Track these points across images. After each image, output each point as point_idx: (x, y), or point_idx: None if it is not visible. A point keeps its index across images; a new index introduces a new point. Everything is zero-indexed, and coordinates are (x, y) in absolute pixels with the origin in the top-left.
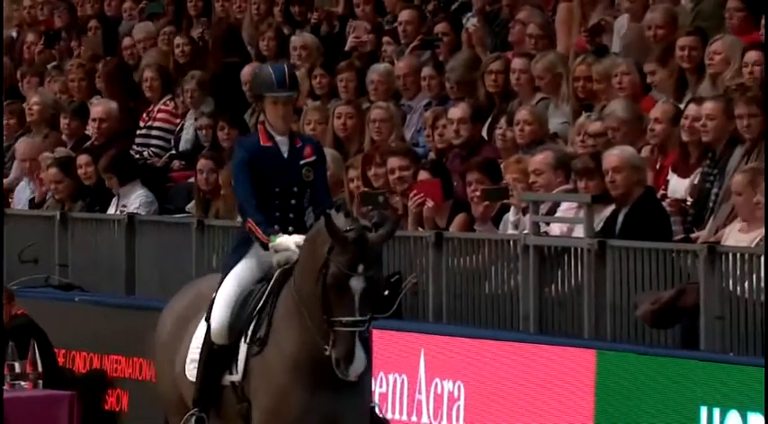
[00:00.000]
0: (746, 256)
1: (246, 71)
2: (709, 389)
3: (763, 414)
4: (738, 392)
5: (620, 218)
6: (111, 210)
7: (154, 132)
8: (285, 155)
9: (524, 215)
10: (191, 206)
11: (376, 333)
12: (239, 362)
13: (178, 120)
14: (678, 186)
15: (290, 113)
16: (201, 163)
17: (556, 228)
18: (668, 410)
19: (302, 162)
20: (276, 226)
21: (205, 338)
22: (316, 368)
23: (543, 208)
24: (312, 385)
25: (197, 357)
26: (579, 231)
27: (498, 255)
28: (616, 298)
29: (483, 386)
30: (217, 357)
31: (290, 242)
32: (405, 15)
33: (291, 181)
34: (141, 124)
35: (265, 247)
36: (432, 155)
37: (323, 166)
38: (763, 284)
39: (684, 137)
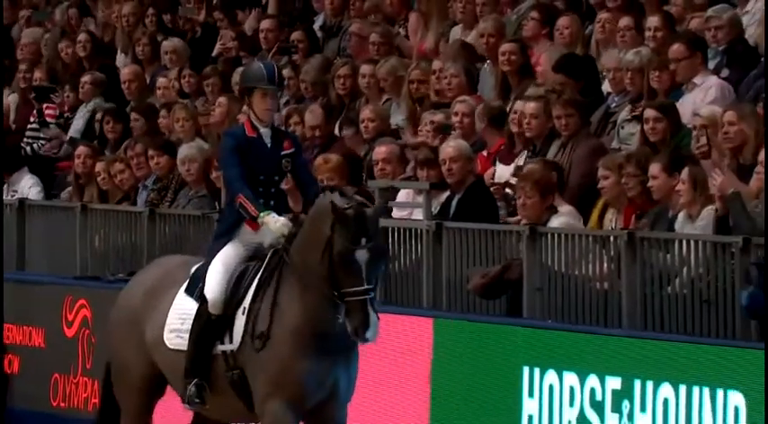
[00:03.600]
0: (563, 235)
1: (126, 72)
2: (531, 351)
3: (576, 374)
4: (555, 354)
5: (455, 203)
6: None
7: (43, 126)
8: (268, 146)
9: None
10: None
11: None
12: (235, 332)
13: (65, 115)
14: (503, 172)
15: (275, 106)
16: (80, 149)
17: (398, 211)
18: (496, 370)
19: (283, 153)
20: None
21: (199, 310)
22: (317, 338)
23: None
24: (313, 354)
25: (179, 326)
26: (419, 214)
27: None
28: (451, 273)
29: None
30: (211, 327)
31: (277, 224)
32: (265, 24)
33: (274, 170)
34: (31, 119)
35: (254, 219)
36: None
37: (302, 156)
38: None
39: (513, 129)
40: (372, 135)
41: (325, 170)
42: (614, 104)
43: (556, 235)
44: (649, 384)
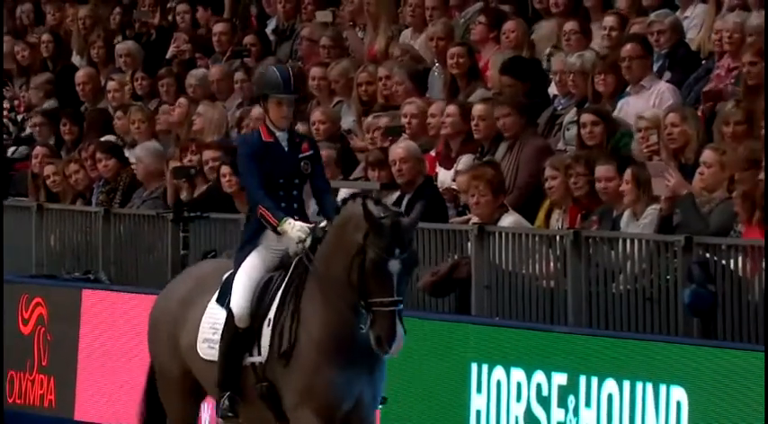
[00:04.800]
0: (510, 235)
1: (80, 74)
2: (479, 348)
3: (523, 370)
4: (503, 350)
5: (405, 202)
6: None
7: None
8: (286, 149)
9: None
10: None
11: None
12: (262, 345)
13: (20, 116)
14: (445, 177)
15: (290, 113)
16: (37, 150)
17: None
18: (444, 366)
19: (301, 156)
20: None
21: (227, 323)
22: (341, 349)
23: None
24: (336, 365)
25: (210, 336)
26: None
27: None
28: None
29: None
30: (239, 340)
31: (293, 230)
32: (219, 27)
33: (293, 172)
34: None
35: (275, 230)
36: None
37: (320, 160)
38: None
39: (444, 131)
40: (323, 137)
41: None
42: (560, 106)
43: (504, 234)
44: (594, 380)
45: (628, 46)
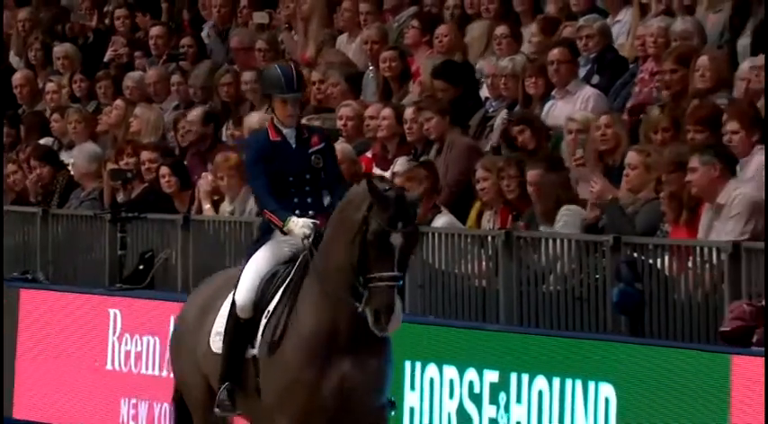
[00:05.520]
0: (443, 235)
1: (17, 77)
2: (413, 346)
3: (456, 367)
4: (435, 348)
5: None
6: None
7: None
8: (293, 146)
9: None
10: None
11: (131, 301)
12: (259, 337)
13: None
14: None
15: (297, 110)
16: None
17: None
18: None
19: (311, 150)
20: (291, 211)
21: (230, 313)
22: (332, 343)
23: None
24: (327, 358)
25: (221, 329)
26: None
27: (239, 236)
28: None
29: None
30: (241, 330)
31: (298, 227)
32: (155, 31)
33: (303, 169)
34: None
35: (282, 230)
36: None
37: (332, 152)
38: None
39: (380, 134)
40: None
41: (225, 168)
42: (492, 109)
43: (437, 235)
44: (525, 377)
45: (555, 50)
